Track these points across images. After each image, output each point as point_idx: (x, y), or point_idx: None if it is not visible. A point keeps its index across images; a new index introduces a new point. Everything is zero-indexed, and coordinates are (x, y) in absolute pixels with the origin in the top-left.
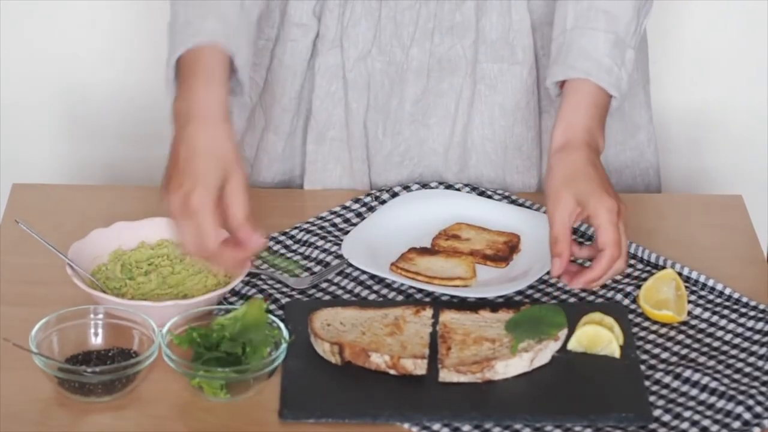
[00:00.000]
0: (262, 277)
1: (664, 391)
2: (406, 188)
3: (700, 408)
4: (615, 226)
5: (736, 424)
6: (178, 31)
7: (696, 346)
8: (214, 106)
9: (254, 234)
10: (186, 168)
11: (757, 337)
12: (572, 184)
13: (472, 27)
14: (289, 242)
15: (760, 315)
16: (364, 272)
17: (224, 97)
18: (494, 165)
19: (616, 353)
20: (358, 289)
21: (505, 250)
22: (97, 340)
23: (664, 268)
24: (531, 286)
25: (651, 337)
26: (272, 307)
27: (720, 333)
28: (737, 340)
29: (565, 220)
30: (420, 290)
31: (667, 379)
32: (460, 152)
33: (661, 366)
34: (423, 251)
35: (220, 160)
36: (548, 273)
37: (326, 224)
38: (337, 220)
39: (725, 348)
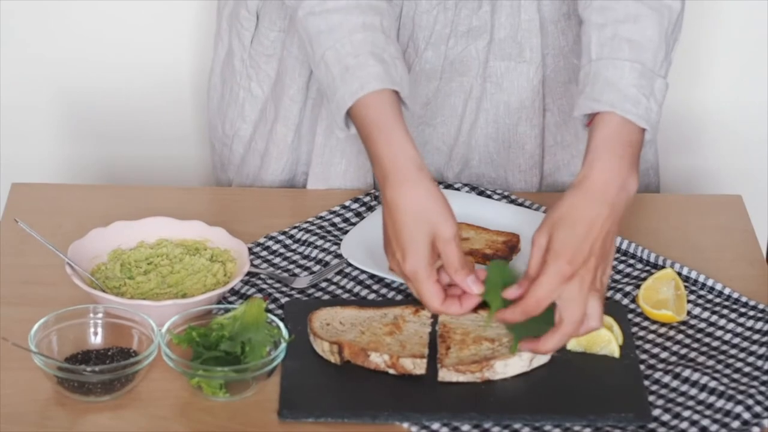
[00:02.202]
0: (262, 276)
1: (663, 391)
2: None
3: (700, 407)
4: (548, 289)
5: (736, 424)
6: (339, 77)
7: (695, 345)
8: (403, 162)
9: (469, 279)
10: (395, 236)
11: (756, 336)
12: (556, 228)
13: (487, 30)
14: (288, 242)
15: (760, 315)
16: (363, 272)
17: (410, 149)
18: (495, 165)
19: (616, 353)
20: (357, 289)
21: (505, 250)
22: (96, 340)
23: (663, 267)
24: None
25: (650, 336)
26: (271, 306)
27: (719, 333)
28: (736, 340)
29: (537, 261)
30: None
31: (667, 379)
32: (464, 151)
33: (661, 366)
34: None
35: (424, 220)
36: None
37: (326, 224)
38: (337, 220)
39: (724, 348)
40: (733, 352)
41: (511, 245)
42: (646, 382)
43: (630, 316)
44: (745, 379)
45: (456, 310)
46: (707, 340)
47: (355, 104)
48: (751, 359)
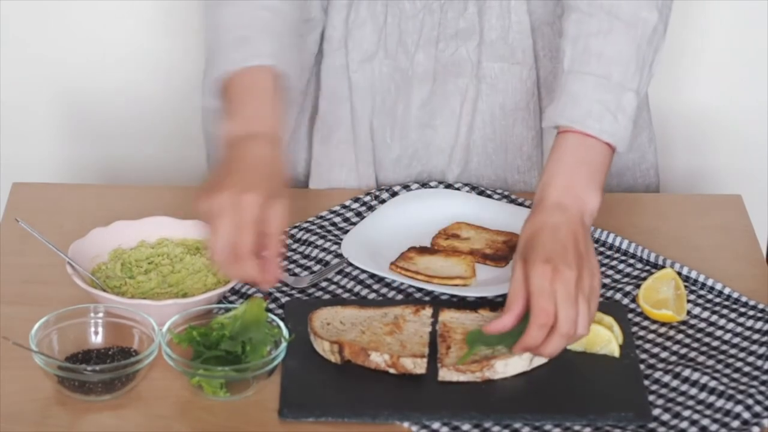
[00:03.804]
0: None
1: (663, 391)
2: (406, 188)
3: (700, 407)
4: (545, 294)
5: (735, 423)
6: (229, 46)
7: (695, 345)
8: (276, 128)
9: (277, 263)
10: (243, 174)
11: (756, 336)
12: (526, 252)
13: (476, 31)
14: (289, 241)
15: (759, 314)
16: (363, 271)
17: (284, 122)
18: (495, 166)
19: (616, 352)
20: (357, 288)
21: (505, 250)
22: (97, 339)
23: (663, 267)
24: None
25: (650, 336)
26: (272, 306)
27: (719, 332)
28: (736, 340)
29: (518, 286)
30: (419, 289)
31: (667, 379)
32: (464, 153)
33: (661, 365)
34: (422, 250)
35: (275, 177)
36: None
37: (326, 223)
38: (337, 219)
39: (724, 347)
40: (733, 351)
41: (511, 245)
42: (646, 382)
43: (630, 315)
44: (745, 379)
45: (254, 269)
46: (707, 339)
47: (244, 70)
48: (751, 359)
